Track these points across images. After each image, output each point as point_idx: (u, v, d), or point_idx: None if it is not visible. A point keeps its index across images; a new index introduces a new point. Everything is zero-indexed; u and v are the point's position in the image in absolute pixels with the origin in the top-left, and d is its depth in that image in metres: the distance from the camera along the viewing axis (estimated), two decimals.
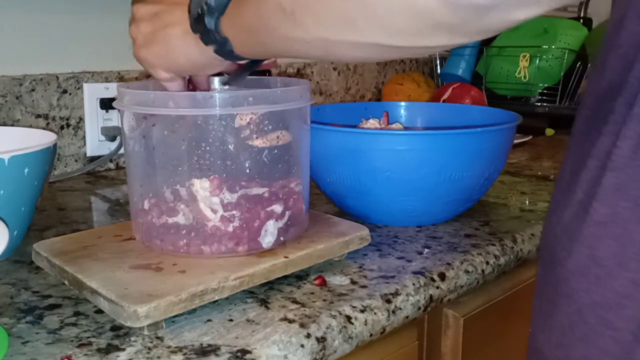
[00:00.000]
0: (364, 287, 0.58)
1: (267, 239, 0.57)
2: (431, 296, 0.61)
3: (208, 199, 0.56)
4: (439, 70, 1.57)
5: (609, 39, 0.44)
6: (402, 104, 0.95)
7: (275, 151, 0.58)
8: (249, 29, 0.50)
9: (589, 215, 0.41)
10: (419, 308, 0.59)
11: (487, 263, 0.67)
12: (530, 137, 1.29)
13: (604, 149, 0.41)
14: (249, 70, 0.58)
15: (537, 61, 1.36)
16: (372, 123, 0.84)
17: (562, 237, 0.44)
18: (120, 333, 0.49)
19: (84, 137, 1.03)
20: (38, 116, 0.98)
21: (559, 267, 0.44)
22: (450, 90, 1.26)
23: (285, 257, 0.57)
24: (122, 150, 1.03)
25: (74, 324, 0.51)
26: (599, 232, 0.41)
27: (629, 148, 0.39)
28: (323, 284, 0.58)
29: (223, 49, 0.52)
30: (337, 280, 0.59)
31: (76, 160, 1.03)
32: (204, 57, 0.54)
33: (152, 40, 0.55)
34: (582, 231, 0.42)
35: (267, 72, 1.17)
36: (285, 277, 0.58)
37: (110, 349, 0.47)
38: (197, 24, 0.52)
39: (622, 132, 0.40)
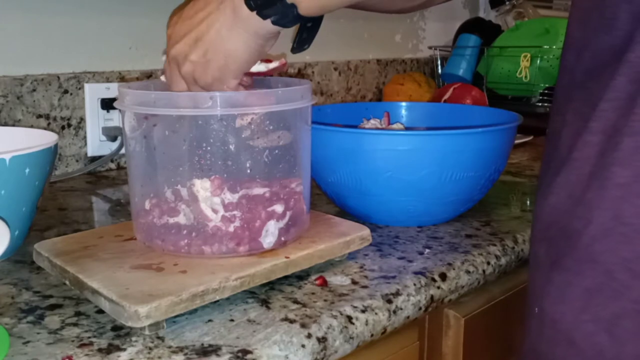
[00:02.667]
0: (365, 287, 0.58)
1: (268, 239, 0.57)
2: (432, 296, 0.61)
3: (209, 199, 0.56)
4: (439, 71, 1.57)
5: (585, 42, 0.48)
6: (403, 104, 0.95)
7: (276, 151, 0.58)
8: None
9: (609, 181, 0.44)
10: (420, 308, 0.59)
11: (488, 263, 0.67)
12: (531, 137, 1.29)
13: (609, 123, 0.45)
14: (313, 33, 0.57)
15: (538, 61, 1.36)
16: (373, 123, 0.84)
17: (576, 209, 0.47)
18: (121, 333, 0.49)
19: (85, 137, 1.03)
20: (39, 116, 0.98)
21: (577, 237, 0.46)
22: (451, 90, 1.26)
23: (286, 257, 0.57)
24: (123, 151, 1.03)
25: (75, 324, 0.51)
26: (622, 193, 0.44)
27: None
28: (324, 284, 0.58)
29: (285, 17, 0.52)
30: (338, 280, 0.59)
31: (77, 161, 1.03)
32: (259, 37, 0.54)
33: (208, 61, 0.55)
34: (603, 196, 0.45)
35: None
36: (286, 277, 0.58)
37: (111, 349, 0.47)
38: None
39: (636, 102, 0.43)
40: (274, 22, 0.52)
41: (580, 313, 0.46)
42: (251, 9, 0.52)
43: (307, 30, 0.56)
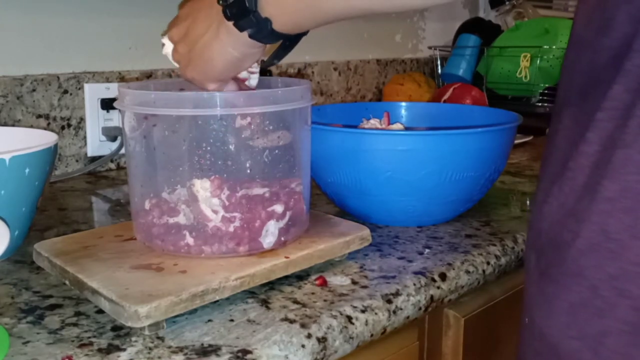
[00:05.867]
0: (364, 287, 0.58)
1: (268, 239, 0.57)
2: (432, 296, 0.61)
3: (209, 199, 0.56)
4: (439, 71, 1.57)
5: (587, 43, 0.47)
6: (403, 104, 0.95)
7: (276, 151, 0.58)
8: None
9: (599, 194, 0.43)
10: (420, 308, 0.59)
11: (488, 263, 0.67)
12: (531, 137, 1.29)
13: (605, 133, 0.43)
14: (287, 51, 0.57)
15: (538, 61, 1.36)
16: (373, 123, 0.84)
17: (566, 221, 0.46)
18: (121, 333, 0.49)
19: (84, 138, 1.03)
20: (39, 116, 0.98)
21: (565, 249, 0.45)
22: (451, 90, 1.26)
23: (286, 257, 0.57)
24: (123, 151, 1.03)
25: (75, 324, 0.51)
26: (610, 208, 0.43)
27: (636, 125, 0.42)
28: (324, 284, 0.58)
29: (261, 31, 0.52)
30: (338, 280, 0.59)
31: (77, 161, 1.03)
32: (237, 49, 0.54)
33: (191, 59, 0.56)
34: (592, 210, 0.43)
35: (267, 72, 1.18)
36: (286, 277, 0.58)
37: (111, 349, 0.47)
38: (233, 7, 0.51)
39: (630, 112, 0.42)
40: (250, 36, 0.52)
41: (566, 328, 0.45)
42: (228, 18, 0.52)
43: (283, 47, 0.56)
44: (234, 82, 0.59)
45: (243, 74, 0.59)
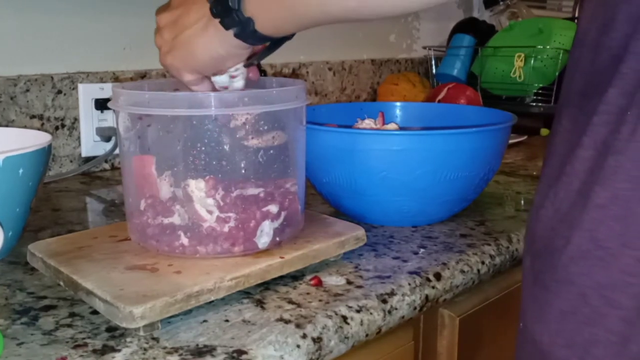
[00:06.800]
0: (359, 287, 0.58)
1: (263, 239, 0.57)
2: (427, 296, 0.61)
3: (203, 199, 0.56)
4: (434, 71, 1.57)
5: (589, 41, 0.46)
6: (398, 104, 0.95)
7: (271, 151, 0.58)
8: (278, 1, 0.50)
9: (590, 200, 0.43)
10: (415, 308, 0.60)
11: (483, 263, 0.67)
12: (525, 137, 1.30)
13: (600, 138, 0.43)
14: (269, 52, 0.58)
15: (532, 61, 1.36)
16: (368, 123, 0.84)
17: (559, 227, 0.45)
18: (116, 334, 0.49)
19: (78, 138, 1.03)
20: (33, 117, 0.97)
21: (557, 255, 0.45)
22: (445, 90, 1.26)
23: (281, 257, 0.57)
24: (117, 151, 1.03)
25: (70, 325, 0.51)
26: (600, 215, 0.42)
27: (628, 132, 0.41)
28: (319, 284, 0.58)
29: (245, 30, 0.52)
30: (333, 280, 0.59)
31: (71, 161, 1.03)
32: (223, 47, 0.54)
33: (174, 45, 0.55)
34: (583, 217, 0.43)
35: (262, 72, 1.17)
36: (281, 277, 0.58)
37: (105, 350, 0.47)
38: (218, 5, 0.51)
39: (624, 118, 0.41)
40: (235, 35, 0.52)
41: (555, 336, 0.45)
42: (214, 15, 0.52)
43: (267, 48, 0.56)
44: (209, 81, 0.58)
45: (224, 81, 0.59)
